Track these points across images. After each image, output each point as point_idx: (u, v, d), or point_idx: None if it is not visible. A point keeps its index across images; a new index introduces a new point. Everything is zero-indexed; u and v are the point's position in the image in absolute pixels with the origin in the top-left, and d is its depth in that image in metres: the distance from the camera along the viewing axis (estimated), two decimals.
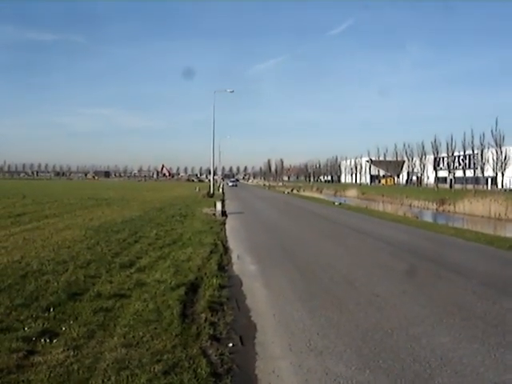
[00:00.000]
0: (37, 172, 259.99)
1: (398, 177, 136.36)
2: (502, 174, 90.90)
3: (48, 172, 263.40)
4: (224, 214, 25.35)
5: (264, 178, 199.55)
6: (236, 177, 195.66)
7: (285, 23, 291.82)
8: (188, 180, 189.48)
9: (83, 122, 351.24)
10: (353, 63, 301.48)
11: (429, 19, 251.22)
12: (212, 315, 7.06)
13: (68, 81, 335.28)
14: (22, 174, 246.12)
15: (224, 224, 21.08)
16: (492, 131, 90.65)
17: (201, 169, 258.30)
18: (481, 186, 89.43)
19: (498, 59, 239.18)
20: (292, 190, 77.66)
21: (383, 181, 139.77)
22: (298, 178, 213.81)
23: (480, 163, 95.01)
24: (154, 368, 5.04)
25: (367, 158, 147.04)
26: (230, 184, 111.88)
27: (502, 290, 9.07)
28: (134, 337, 5.94)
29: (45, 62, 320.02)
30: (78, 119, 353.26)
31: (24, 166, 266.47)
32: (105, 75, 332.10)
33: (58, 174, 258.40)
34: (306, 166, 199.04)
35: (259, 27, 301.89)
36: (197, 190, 62.77)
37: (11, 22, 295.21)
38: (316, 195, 64.05)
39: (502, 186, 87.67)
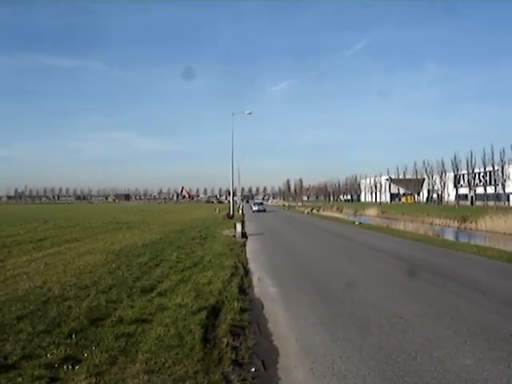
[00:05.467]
0: (58, 196, 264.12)
1: (419, 195, 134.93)
2: None
3: (69, 196, 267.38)
4: (244, 235, 25.38)
5: (283, 198, 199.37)
6: (255, 198, 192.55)
7: (300, 45, 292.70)
8: (208, 201, 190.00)
9: (101, 146, 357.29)
10: (370, 82, 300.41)
11: (445, 34, 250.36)
12: (234, 339, 7.05)
13: (87, 105, 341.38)
14: (43, 199, 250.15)
15: (244, 246, 21.11)
16: None
17: (220, 190, 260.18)
18: (502, 203, 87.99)
19: None
20: (312, 210, 77.23)
21: (403, 199, 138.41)
22: (317, 197, 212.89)
23: (501, 180, 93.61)
24: None
25: (387, 177, 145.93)
26: (255, 208, 73.89)
27: None
28: (155, 363, 5.95)
29: (62, 87, 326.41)
30: (95, 144, 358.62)
31: (45, 190, 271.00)
32: (121, 99, 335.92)
33: (78, 197, 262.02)
34: (326, 185, 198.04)
35: (273, 49, 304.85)
36: (216, 211, 62.87)
37: (27, 46, 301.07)
38: (336, 215, 63.70)
39: None
